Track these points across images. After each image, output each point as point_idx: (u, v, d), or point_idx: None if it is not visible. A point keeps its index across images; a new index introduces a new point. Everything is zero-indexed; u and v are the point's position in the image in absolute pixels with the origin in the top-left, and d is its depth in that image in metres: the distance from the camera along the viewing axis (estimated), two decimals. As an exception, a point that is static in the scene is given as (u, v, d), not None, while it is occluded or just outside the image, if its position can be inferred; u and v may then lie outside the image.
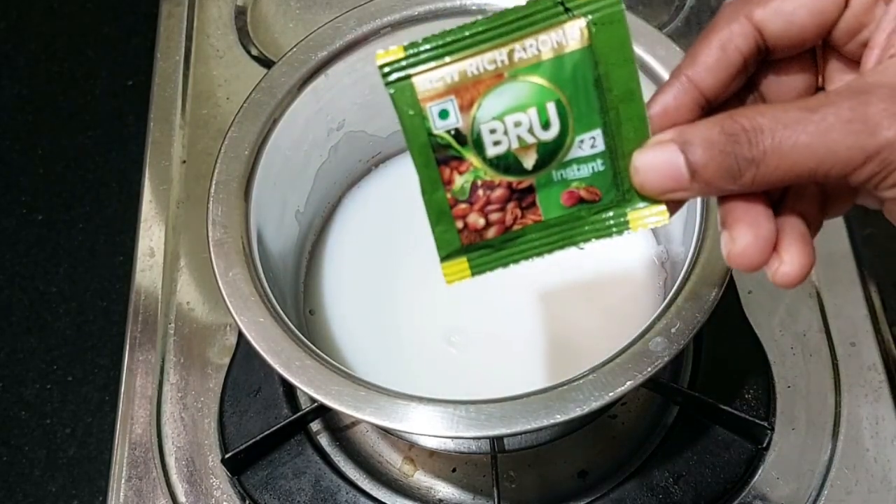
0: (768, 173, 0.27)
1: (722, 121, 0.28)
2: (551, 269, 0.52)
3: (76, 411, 0.92)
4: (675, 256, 0.50)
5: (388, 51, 0.30)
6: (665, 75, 0.46)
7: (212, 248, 0.44)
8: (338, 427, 0.55)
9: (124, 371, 0.58)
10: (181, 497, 0.54)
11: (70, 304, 0.98)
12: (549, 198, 0.31)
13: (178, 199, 0.65)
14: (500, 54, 0.30)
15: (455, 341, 0.52)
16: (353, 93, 0.52)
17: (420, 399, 0.39)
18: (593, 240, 0.32)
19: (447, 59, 0.30)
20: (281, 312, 0.43)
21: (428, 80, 0.30)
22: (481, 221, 0.31)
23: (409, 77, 0.30)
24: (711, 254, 0.42)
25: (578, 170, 0.31)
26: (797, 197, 0.31)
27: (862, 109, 0.27)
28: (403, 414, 0.39)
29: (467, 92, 0.30)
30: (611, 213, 0.31)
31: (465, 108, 0.30)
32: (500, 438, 0.50)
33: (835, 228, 0.59)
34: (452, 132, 0.30)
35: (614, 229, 0.31)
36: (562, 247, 0.32)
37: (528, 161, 0.31)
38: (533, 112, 0.30)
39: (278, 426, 0.52)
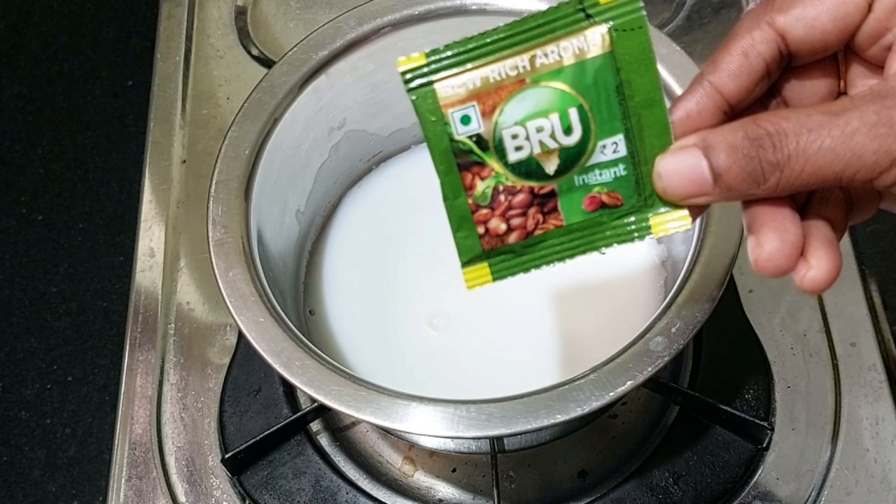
0: (793, 177, 0.27)
1: (745, 125, 0.28)
2: (552, 270, 0.52)
3: (76, 411, 0.92)
4: (675, 256, 0.50)
5: (410, 57, 0.30)
6: (665, 74, 0.46)
7: (212, 248, 0.44)
8: (338, 427, 0.55)
9: (124, 371, 0.58)
10: (181, 497, 0.54)
11: (70, 304, 0.98)
12: (571, 203, 0.31)
13: (178, 199, 0.65)
14: (521, 60, 0.30)
15: (456, 342, 0.52)
16: (353, 92, 0.52)
17: (420, 399, 0.39)
18: (615, 245, 0.32)
19: (469, 65, 0.30)
20: (281, 312, 0.43)
21: (450, 87, 0.30)
22: (503, 226, 0.31)
23: (431, 83, 0.30)
24: (712, 254, 0.42)
25: (600, 175, 0.31)
26: (822, 201, 0.30)
27: (887, 113, 0.26)
28: (403, 414, 0.39)
29: (489, 98, 0.30)
30: (632, 219, 0.31)
31: (486, 113, 0.30)
32: (500, 438, 0.50)
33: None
34: (474, 138, 0.30)
35: (636, 234, 0.31)
36: (583, 252, 0.32)
37: (550, 166, 0.31)
38: (555, 117, 0.30)
39: (278, 426, 0.52)
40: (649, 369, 0.39)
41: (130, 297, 0.61)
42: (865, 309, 0.57)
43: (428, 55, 0.30)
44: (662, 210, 0.31)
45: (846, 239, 0.59)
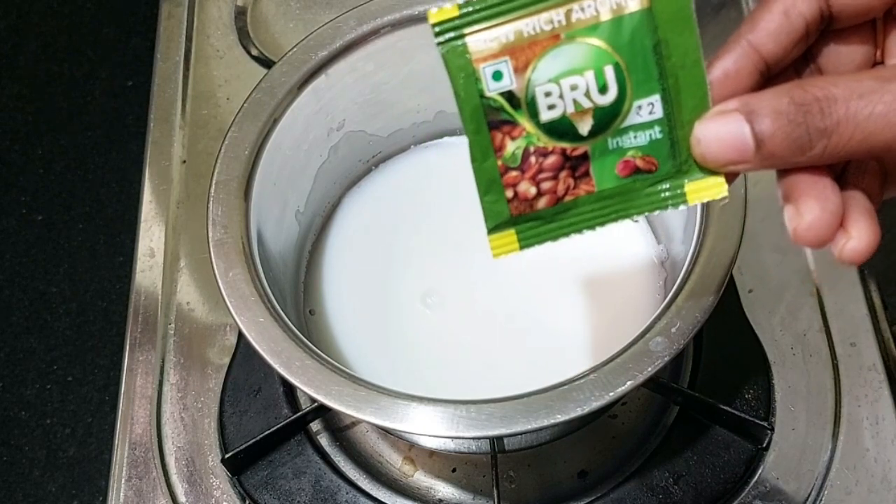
0: (840, 145, 0.27)
1: (790, 90, 0.27)
2: (551, 269, 0.52)
3: (76, 411, 0.92)
4: (675, 256, 0.50)
5: (442, 9, 0.29)
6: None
7: (212, 248, 0.44)
8: (338, 427, 0.55)
9: (124, 371, 0.58)
10: (181, 497, 0.54)
11: (70, 304, 0.98)
12: (604, 167, 0.30)
13: (178, 199, 0.65)
14: (557, 14, 0.29)
15: (457, 344, 0.52)
16: (353, 92, 0.52)
17: (420, 399, 0.39)
18: (647, 213, 0.30)
19: (502, 18, 0.29)
20: (281, 312, 0.43)
21: (482, 40, 0.29)
22: (532, 190, 0.30)
23: (462, 36, 0.29)
24: (711, 254, 0.42)
25: (635, 137, 0.29)
26: (859, 172, 0.30)
27: None
28: (403, 414, 0.39)
29: (522, 53, 0.29)
30: (667, 185, 0.30)
31: (519, 69, 0.29)
32: (500, 438, 0.50)
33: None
34: (506, 94, 0.29)
35: (670, 202, 0.30)
36: (615, 219, 0.30)
37: (584, 126, 0.29)
38: (590, 75, 0.29)
39: (278, 426, 0.52)
40: (649, 369, 0.39)
41: (130, 298, 0.61)
42: (865, 309, 0.57)
43: (461, 7, 0.29)
44: (698, 176, 0.30)
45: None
